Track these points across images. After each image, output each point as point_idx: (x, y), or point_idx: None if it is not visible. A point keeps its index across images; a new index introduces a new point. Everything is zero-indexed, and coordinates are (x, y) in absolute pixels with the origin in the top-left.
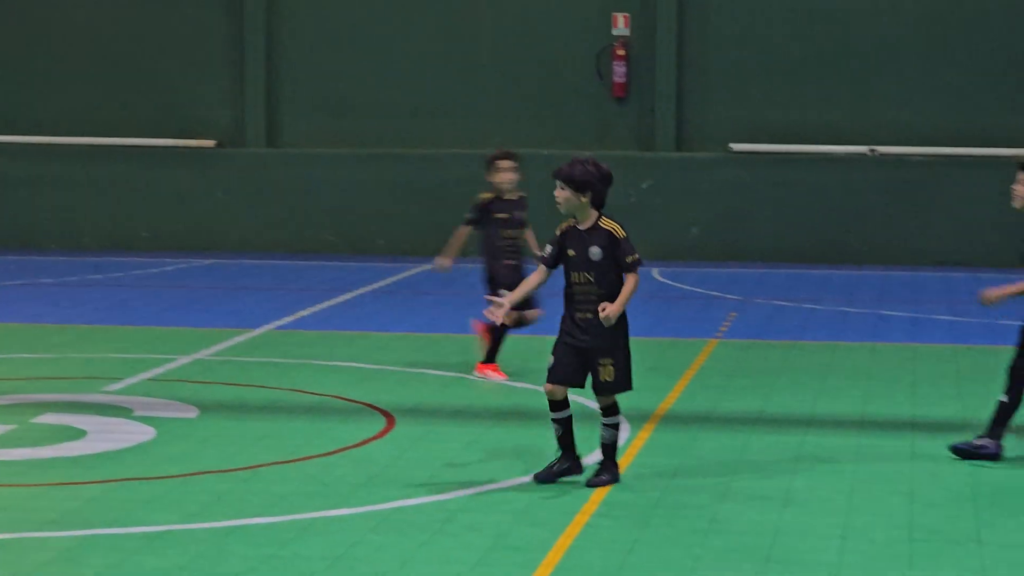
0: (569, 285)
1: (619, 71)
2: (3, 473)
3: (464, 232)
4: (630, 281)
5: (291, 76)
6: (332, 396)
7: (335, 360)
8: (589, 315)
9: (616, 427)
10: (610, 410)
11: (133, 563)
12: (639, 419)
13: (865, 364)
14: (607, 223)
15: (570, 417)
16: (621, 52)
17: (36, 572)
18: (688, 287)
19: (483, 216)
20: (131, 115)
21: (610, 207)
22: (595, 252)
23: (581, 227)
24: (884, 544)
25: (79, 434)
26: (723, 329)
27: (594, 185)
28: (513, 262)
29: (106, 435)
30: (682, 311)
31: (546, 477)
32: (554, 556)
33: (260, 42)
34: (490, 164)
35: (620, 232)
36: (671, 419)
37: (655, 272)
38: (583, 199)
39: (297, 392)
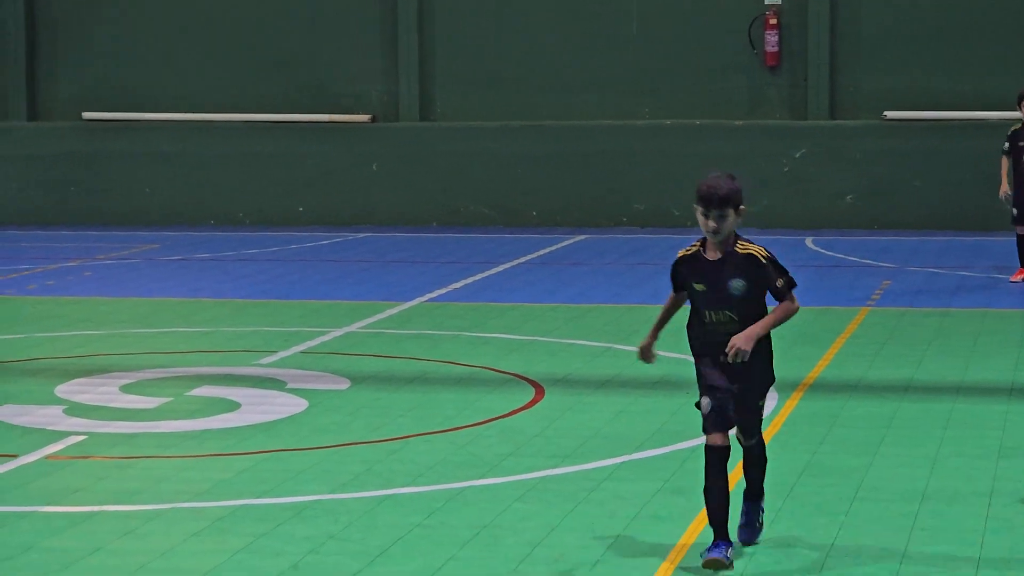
0: (701, 324)
1: (771, 40)
2: (158, 444)
3: (1005, 163)
4: (782, 307)
5: (444, 50)
6: (482, 367)
7: (486, 332)
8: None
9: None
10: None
11: (283, 532)
12: (788, 387)
13: (1017, 331)
14: (745, 246)
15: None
16: (773, 21)
17: (189, 541)
18: (841, 255)
19: (1012, 146)
20: (286, 91)
21: (763, 177)
22: (738, 285)
23: (709, 255)
24: None
25: (233, 406)
26: (875, 297)
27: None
28: None
29: (259, 407)
30: (834, 279)
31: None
32: (698, 525)
33: (413, 17)
34: (1020, 99)
35: (763, 253)
36: (820, 387)
37: (808, 241)
38: (739, 220)
39: (447, 363)
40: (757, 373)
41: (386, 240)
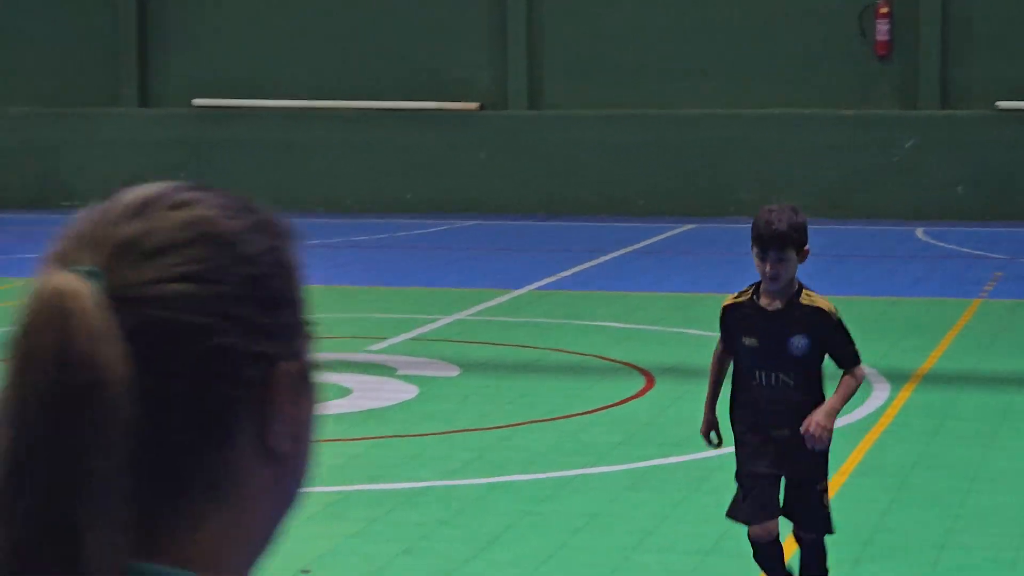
0: (748, 389)
1: (882, 29)
2: None
3: None
4: (851, 380)
5: (553, 38)
6: (592, 355)
7: (595, 320)
8: (787, 431)
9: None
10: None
11: (394, 518)
12: (900, 379)
13: None
14: (811, 297)
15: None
16: (884, 10)
17: (301, 525)
18: (952, 246)
19: None
20: (394, 78)
21: (872, 167)
22: (800, 344)
23: (764, 304)
24: None
25: (344, 392)
26: (988, 289)
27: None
28: None
29: (370, 393)
30: (946, 270)
31: None
32: None
33: (522, 5)
34: None
35: (834, 311)
36: (932, 379)
37: (919, 231)
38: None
39: (557, 352)
40: (818, 455)
41: (493, 228)
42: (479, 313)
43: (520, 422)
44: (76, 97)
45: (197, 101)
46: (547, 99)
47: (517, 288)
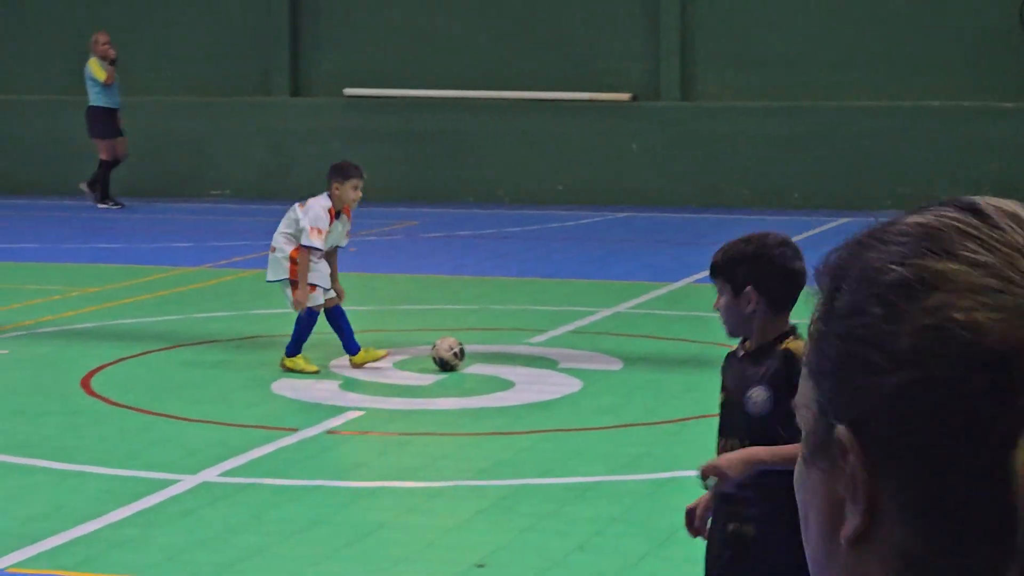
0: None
1: None
2: (437, 422)
3: None
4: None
5: (706, 29)
6: None
7: None
8: (750, 527)
9: None
10: None
11: (567, 513)
12: None
13: None
14: (791, 344)
15: None
16: None
17: (474, 519)
18: None
19: None
20: (546, 69)
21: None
22: (758, 398)
23: (743, 348)
24: None
25: (507, 385)
26: None
27: (763, 273)
28: None
29: (533, 386)
30: None
31: None
32: None
33: None
34: None
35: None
36: None
37: None
38: (752, 304)
39: (721, 346)
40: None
41: (647, 220)
42: (638, 306)
43: (688, 417)
44: (227, 87)
45: (348, 91)
46: (700, 90)
47: (675, 281)
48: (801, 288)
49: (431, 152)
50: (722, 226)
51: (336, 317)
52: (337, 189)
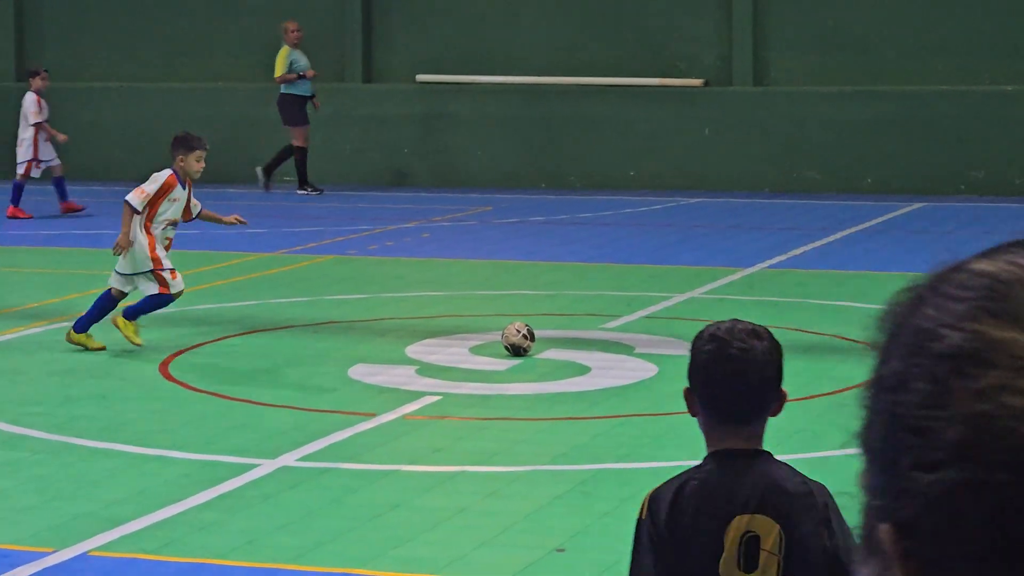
0: None
1: None
2: (515, 407)
3: None
4: None
5: (778, 13)
6: (833, 336)
7: (831, 299)
8: None
9: None
10: None
11: None
12: None
13: None
14: (786, 471)
15: None
16: None
17: (553, 503)
18: None
19: None
20: (619, 54)
21: None
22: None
23: None
24: None
25: (583, 370)
26: None
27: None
28: None
29: (609, 371)
30: None
31: None
32: None
33: None
34: None
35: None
36: None
37: None
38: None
39: (795, 331)
40: None
41: (719, 205)
42: (712, 291)
43: None
44: None
45: (421, 77)
46: (772, 75)
47: (749, 266)
48: (729, 395)
49: (502, 138)
50: (794, 211)
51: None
52: (182, 161)
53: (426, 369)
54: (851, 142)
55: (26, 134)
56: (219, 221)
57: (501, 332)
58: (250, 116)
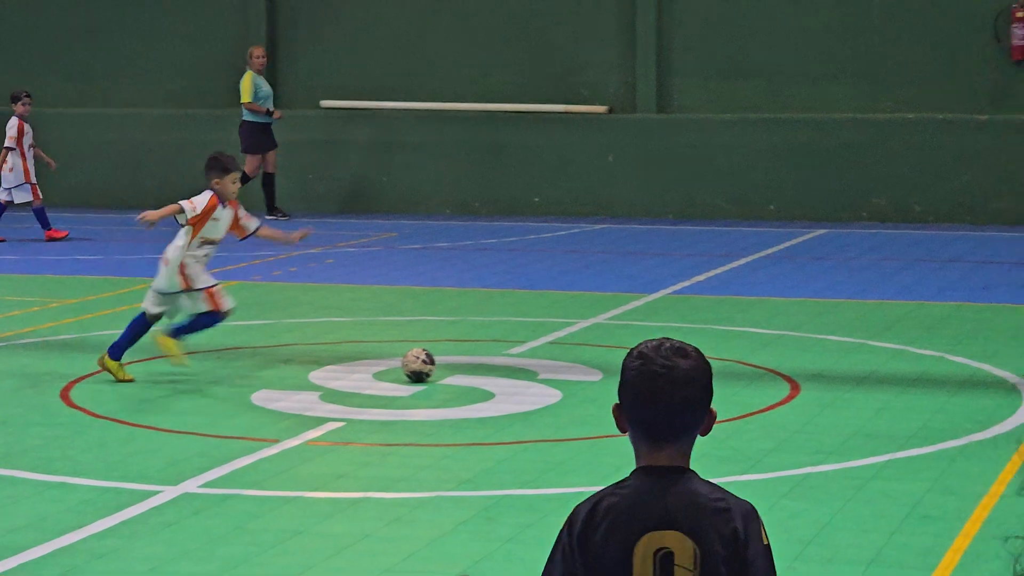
0: None
1: (1018, 33)
2: (416, 433)
3: None
4: None
5: (682, 40)
6: (734, 361)
7: (734, 325)
8: None
9: None
10: None
11: (550, 523)
12: None
13: None
14: (707, 488)
15: None
16: (1021, 14)
17: (456, 530)
18: None
19: None
20: (522, 81)
21: (1009, 173)
22: None
23: None
24: None
25: (487, 396)
26: None
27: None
28: None
29: (513, 397)
30: None
31: None
32: (972, 526)
33: (651, 6)
34: None
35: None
36: None
37: None
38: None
39: None
40: None
41: (623, 231)
42: (616, 317)
43: None
44: (204, 98)
45: (325, 103)
46: (676, 102)
47: (652, 292)
48: (653, 413)
49: (408, 164)
50: (698, 237)
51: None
52: (218, 183)
53: (329, 395)
54: (754, 169)
55: (14, 160)
56: (282, 240)
57: (400, 360)
58: (152, 142)
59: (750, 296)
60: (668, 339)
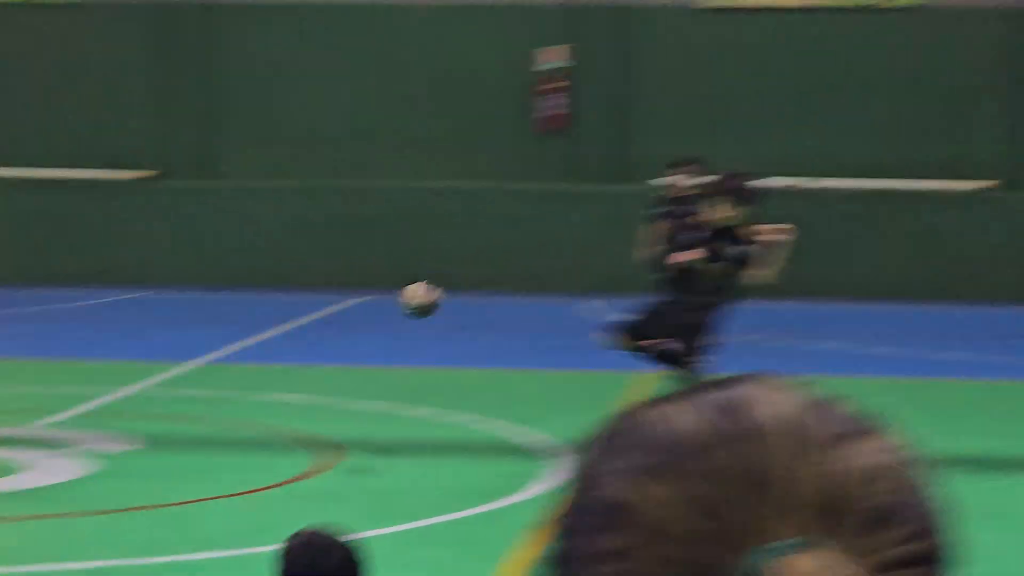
0: None
1: (547, 105)
2: None
3: None
4: None
5: (228, 107)
6: (273, 426)
7: (275, 392)
8: None
9: None
10: None
11: None
12: None
13: None
14: None
15: None
16: (548, 87)
17: None
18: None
19: None
20: (64, 145)
21: (540, 239)
22: None
23: None
24: None
25: (16, 469)
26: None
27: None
28: None
29: (42, 470)
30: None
31: None
32: None
33: (193, 72)
34: None
35: None
36: None
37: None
38: None
39: (239, 424)
40: None
41: (168, 300)
42: (158, 385)
43: (205, 497)
44: None
45: None
46: (220, 168)
47: (190, 359)
48: None
49: None
50: (243, 304)
51: None
52: None
53: None
54: (300, 236)
55: None
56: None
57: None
58: None
59: (292, 363)
60: (324, 530)
